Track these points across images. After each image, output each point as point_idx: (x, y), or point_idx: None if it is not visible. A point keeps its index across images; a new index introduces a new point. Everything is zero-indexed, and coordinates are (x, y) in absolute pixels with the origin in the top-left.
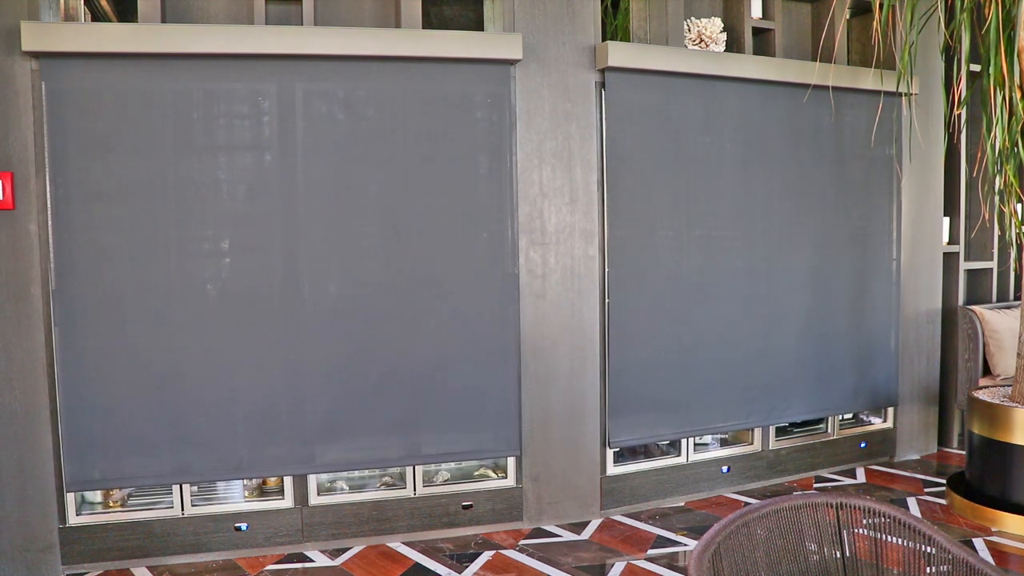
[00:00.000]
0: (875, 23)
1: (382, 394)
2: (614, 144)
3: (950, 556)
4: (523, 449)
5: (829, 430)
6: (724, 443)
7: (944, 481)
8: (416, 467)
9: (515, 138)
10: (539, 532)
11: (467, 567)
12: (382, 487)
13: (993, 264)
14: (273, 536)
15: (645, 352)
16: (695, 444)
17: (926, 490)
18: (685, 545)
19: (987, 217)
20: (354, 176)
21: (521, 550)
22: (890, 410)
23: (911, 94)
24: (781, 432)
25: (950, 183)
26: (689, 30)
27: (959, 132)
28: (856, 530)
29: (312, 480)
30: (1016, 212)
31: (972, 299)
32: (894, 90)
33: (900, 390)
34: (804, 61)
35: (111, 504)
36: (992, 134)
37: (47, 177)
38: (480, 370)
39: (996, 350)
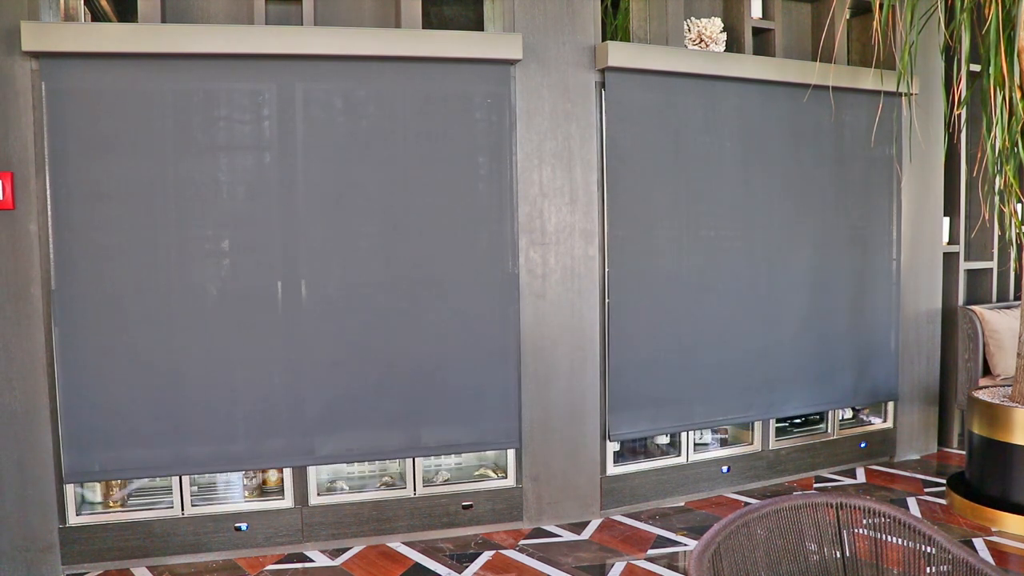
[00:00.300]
0: (875, 23)
1: (381, 394)
2: (614, 144)
3: (950, 556)
4: (523, 443)
5: (829, 430)
6: (724, 443)
7: (944, 481)
8: (416, 467)
9: (515, 138)
10: (539, 532)
11: (467, 567)
12: (382, 487)
13: (993, 264)
14: (273, 536)
15: (645, 351)
16: (695, 444)
17: (926, 490)
18: (685, 545)
19: (987, 217)
20: (354, 176)
21: (521, 550)
22: (890, 410)
23: (911, 94)
24: (781, 432)
25: (950, 183)
26: (689, 30)
27: (959, 132)
28: (856, 530)
29: (312, 480)
30: (1016, 212)
31: (972, 299)
32: (894, 90)
33: (900, 390)
34: (804, 61)
35: (111, 504)
36: (992, 134)
37: (47, 177)
38: (480, 370)
39: (996, 350)
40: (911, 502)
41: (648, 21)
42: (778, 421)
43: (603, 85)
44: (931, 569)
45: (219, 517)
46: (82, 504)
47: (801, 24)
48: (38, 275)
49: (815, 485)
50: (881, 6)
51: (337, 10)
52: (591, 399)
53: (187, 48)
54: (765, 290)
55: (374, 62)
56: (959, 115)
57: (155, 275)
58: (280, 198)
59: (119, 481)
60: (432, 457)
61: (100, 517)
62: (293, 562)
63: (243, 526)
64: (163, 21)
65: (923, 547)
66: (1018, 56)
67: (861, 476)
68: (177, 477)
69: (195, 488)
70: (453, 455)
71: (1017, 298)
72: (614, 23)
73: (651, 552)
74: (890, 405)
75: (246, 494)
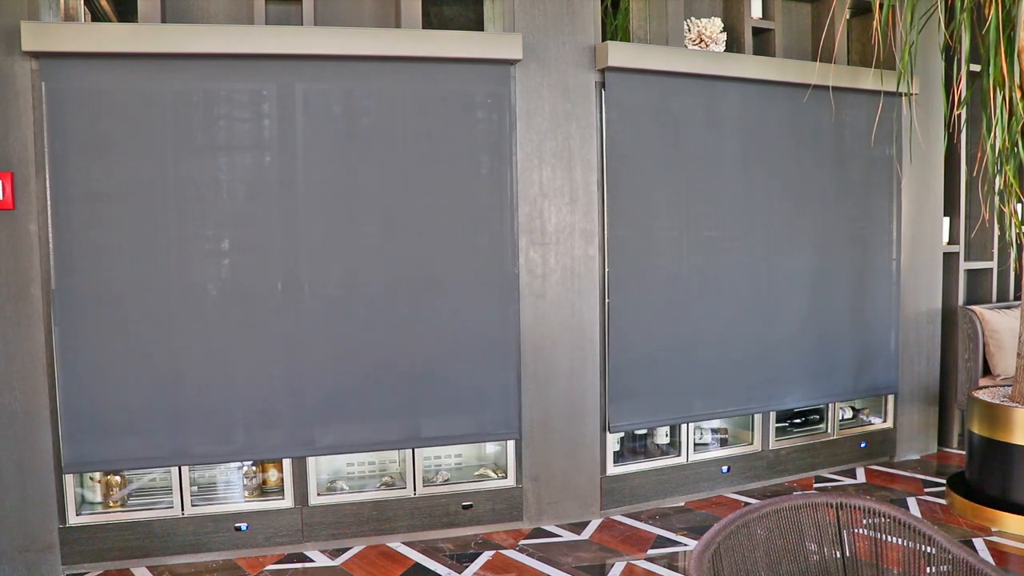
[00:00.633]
0: (875, 23)
1: (381, 391)
2: (614, 144)
3: (950, 556)
4: (522, 435)
5: (829, 430)
6: (724, 443)
7: (944, 481)
8: (416, 467)
9: (515, 138)
10: (539, 532)
11: (467, 567)
12: (382, 487)
13: (993, 264)
14: (273, 536)
15: (645, 351)
16: (695, 444)
17: (926, 490)
18: (685, 545)
19: (987, 217)
20: (354, 176)
21: (521, 550)
22: (890, 410)
23: (911, 94)
24: (781, 432)
25: (950, 183)
26: (689, 30)
27: (959, 132)
28: (856, 530)
29: (312, 480)
30: (1016, 212)
31: (972, 299)
32: (894, 90)
33: (900, 390)
34: (804, 61)
35: (111, 504)
36: (992, 134)
37: (47, 177)
38: (480, 369)
39: (996, 350)
40: (911, 502)
41: (648, 21)
42: (778, 421)
43: (603, 85)
44: (931, 569)
45: (219, 517)
46: (82, 504)
47: (801, 24)
48: (38, 275)
49: (815, 485)
50: (881, 6)
51: (337, 10)
52: (591, 399)
53: (187, 48)
54: (765, 290)
55: (374, 62)
56: (959, 115)
57: (155, 275)
58: (280, 198)
59: (119, 481)
60: (432, 458)
61: (100, 517)
62: (293, 562)
63: (243, 526)
64: (163, 21)
65: (923, 547)
66: (1018, 56)
67: (861, 476)
68: (177, 476)
69: (195, 488)
70: (453, 456)
71: (1017, 298)
72: (614, 23)
73: (651, 552)
74: (890, 405)
75: (246, 494)
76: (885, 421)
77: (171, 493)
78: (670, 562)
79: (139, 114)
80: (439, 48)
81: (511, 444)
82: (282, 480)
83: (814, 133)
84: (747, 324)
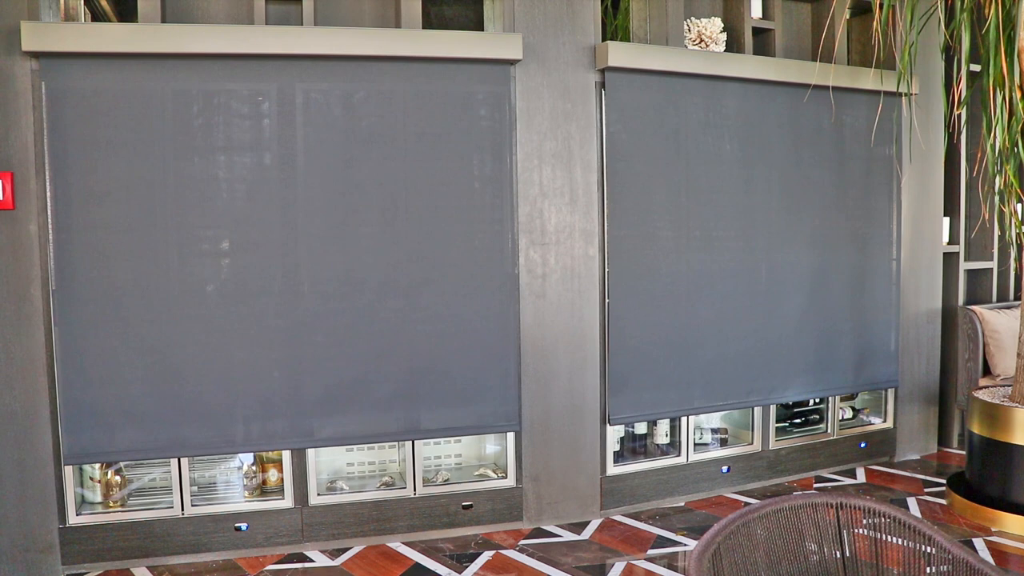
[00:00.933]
0: (875, 23)
1: (379, 392)
2: (614, 144)
3: (950, 556)
4: (522, 426)
5: (829, 430)
6: (724, 443)
7: (944, 481)
8: (416, 467)
9: (515, 138)
10: (539, 532)
11: (467, 567)
12: (382, 487)
13: (993, 264)
14: (273, 536)
15: (645, 352)
16: (695, 444)
17: (926, 490)
18: (685, 545)
19: (987, 217)
20: (354, 176)
21: (521, 550)
22: (890, 410)
23: (911, 94)
24: (781, 432)
25: (950, 183)
26: (689, 30)
27: (959, 132)
28: (856, 530)
29: (312, 480)
30: (1016, 212)
31: (972, 299)
32: (894, 90)
33: (900, 391)
34: (804, 61)
35: (111, 504)
36: (992, 134)
37: (47, 177)
38: (480, 368)
39: (996, 350)
40: (911, 502)
41: (648, 21)
42: (778, 421)
43: (603, 85)
44: (931, 569)
45: (219, 517)
46: (82, 504)
47: (801, 24)
48: (38, 275)
49: (815, 485)
50: (881, 6)
51: (337, 10)
52: (591, 399)
53: (187, 48)
54: (764, 290)
55: (374, 62)
56: (959, 115)
57: (155, 274)
58: (280, 198)
59: (119, 481)
60: (432, 458)
61: (100, 517)
62: (293, 562)
63: (243, 526)
64: (163, 21)
65: (923, 547)
66: (1018, 56)
67: (861, 476)
68: (177, 476)
69: (195, 488)
70: (453, 456)
71: (1017, 298)
72: (614, 23)
73: (651, 552)
74: (890, 405)
75: (246, 494)
76: (885, 421)
77: (171, 493)
78: (670, 562)
79: (139, 114)
80: (439, 48)
81: (511, 444)
82: (282, 480)
83: (814, 133)
84: (747, 324)
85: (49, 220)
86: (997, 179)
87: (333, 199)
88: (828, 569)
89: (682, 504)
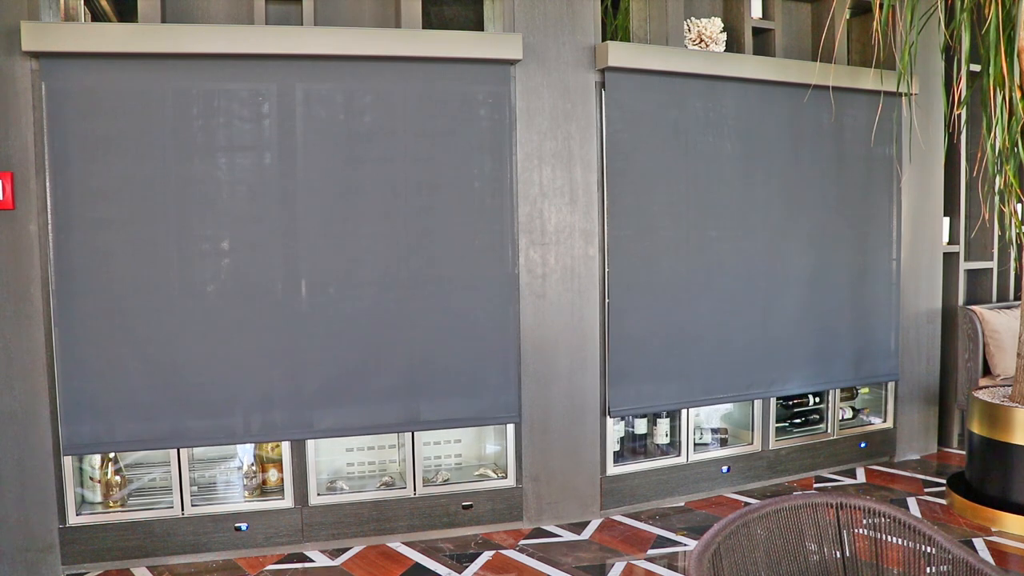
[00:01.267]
0: (875, 23)
1: (379, 388)
2: (614, 144)
3: (950, 556)
4: (522, 417)
5: (829, 430)
6: (724, 443)
7: (944, 481)
8: (416, 467)
9: (515, 138)
10: (539, 532)
11: (467, 567)
12: (382, 487)
13: (993, 264)
14: (273, 536)
15: (645, 352)
16: (695, 444)
17: (926, 490)
18: (685, 545)
19: (987, 217)
20: (354, 176)
21: (521, 550)
22: (890, 410)
23: (911, 94)
24: (781, 432)
25: (950, 183)
26: (689, 30)
27: (959, 132)
28: (856, 530)
29: (312, 480)
30: (1016, 212)
31: (972, 299)
32: (894, 90)
33: (900, 391)
34: (804, 61)
35: (111, 504)
36: (992, 134)
37: (47, 177)
38: (479, 364)
39: (996, 350)
40: (911, 502)
41: (648, 21)
42: (778, 421)
43: (603, 85)
44: (931, 569)
45: (219, 517)
46: (82, 504)
47: (801, 24)
48: (38, 275)
49: (815, 485)
50: (881, 6)
51: (337, 10)
52: (591, 399)
53: (187, 48)
54: (764, 291)
55: (374, 62)
56: (959, 115)
57: (155, 274)
58: (280, 198)
59: (119, 481)
60: (432, 458)
61: (100, 517)
62: (293, 562)
63: (243, 526)
64: (163, 21)
65: (923, 547)
66: (1018, 56)
67: (861, 476)
68: (177, 476)
69: (195, 488)
70: (453, 456)
71: (1017, 298)
72: (614, 23)
73: (651, 552)
74: (890, 405)
75: (246, 494)
76: (885, 421)
77: (171, 493)
78: (670, 562)
79: (139, 114)
80: (439, 48)
81: (511, 444)
82: (282, 480)
83: (814, 133)
84: (746, 324)
85: (49, 220)
86: (997, 179)
87: (333, 198)
88: (828, 569)
89: (682, 504)
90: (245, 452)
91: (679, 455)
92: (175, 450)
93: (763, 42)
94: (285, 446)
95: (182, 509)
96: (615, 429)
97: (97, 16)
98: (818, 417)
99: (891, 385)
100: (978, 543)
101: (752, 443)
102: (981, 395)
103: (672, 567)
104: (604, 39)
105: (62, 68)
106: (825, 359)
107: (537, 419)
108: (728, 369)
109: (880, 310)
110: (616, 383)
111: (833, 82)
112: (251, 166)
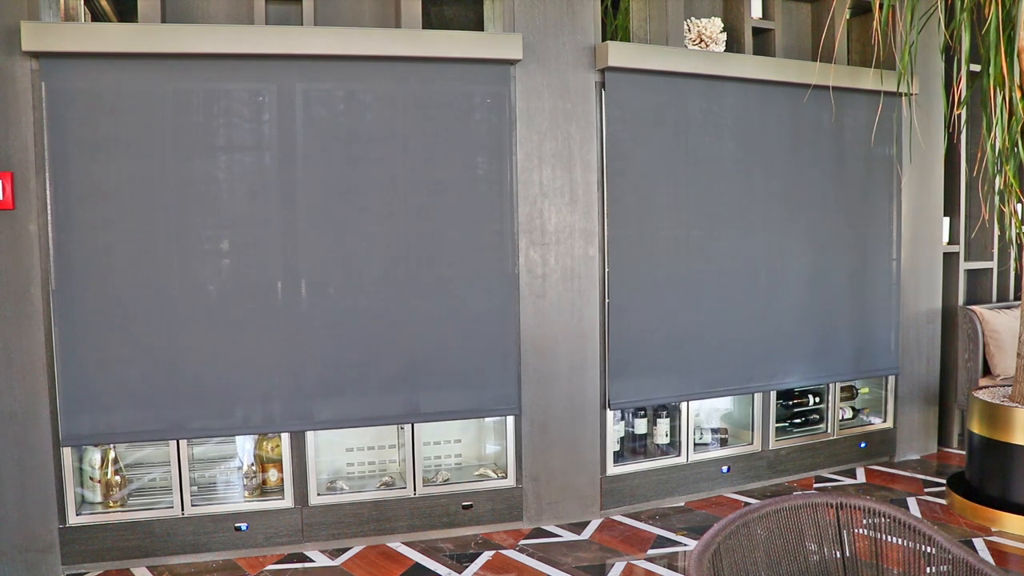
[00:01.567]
0: (875, 23)
1: (379, 388)
2: (614, 144)
3: (950, 556)
4: (522, 409)
5: (829, 430)
6: (724, 443)
7: (944, 481)
8: (416, 467)
9: (515, 138)
10: (539, 532)
11: (467, 567)
12: (382, 487)
13: (993, 264)
14: (273, 536)
15: (645, 352)
16: (695, 444)
17: (926, 490)
18: (685, 545)
19: (987, 217)
20: (354, 176)
21: (521, 550)
22: (890, 410)
23: (911, 94)
24: (781, 432)
25: (950, 183)
26: (689, 30)
27: (959, 132)
28: (856, 530)
29: (312, 480)
30: (1016, 212)
31: (972, 299)
32: (894, 90)
33: (900, 391)
34: (804, 61)
35: (111, 504)
36: (992, 134)
37: (47, 177)
38: (480, 366)
39: (996, 350)
40: (911, 502)
41: (648, 21)
42: (778, 421)
43: (603, 85)
44: (931, 569)
45: (219, 517)
46: (82, 504)
47: (801, 24)
48: (38, 275)
49: (815, 485)
50: (881, 6)
51: (337, 10)
52: (591, 399)
53: (187, 48)
54: (764, 291)
55: (374, 62)
56: (959, 115)
57: (155, 273)
58: (280, 198)
59: (119, 481)
60: (433, 458)
61: (100, 517)
62: (293, 562)
63: (243, 526)
64: (163, 21)
65: (923, 547)
66: (1018, 56)
67: (861, 476)
68: (177, 476)
69: (195, 488)
70: (453, 456)
71: (1017, 298)
72: (614, 23)
73: (651, 552)
74: (890, 405)
75: (246, 494)
76: (885, 421)
77: (171, 493)
78: (670, 562)
79: (139, 114)
80: (439, 48)
81: (511, 444)
82: (282, 480)
83: (814, 133)
84: (746, 324)
85: (49, 220)
86: (997, 179)
87: (333, 198)
88: (828, 569)
89: (682, 504)
90: (245, 452)
91: (679, 455)
92: (175, 450)
93: (763, 42)
94: (285, 446)
95: (182, 509)
96: (615, 429)
97: (97, 16)
98: (818, 417)
99: (891, 385)
100: (978, 543)
101: (752, 443)
102: (981, 395)
103: (672, 567)
104: (604, 39)
105: (62, 68)
106: (825, 357)
107: (537, 419)
108: (728, 365)
109: (880, 310)
110: (616, 377)
111: (833, 82)
112: (251, 166)
